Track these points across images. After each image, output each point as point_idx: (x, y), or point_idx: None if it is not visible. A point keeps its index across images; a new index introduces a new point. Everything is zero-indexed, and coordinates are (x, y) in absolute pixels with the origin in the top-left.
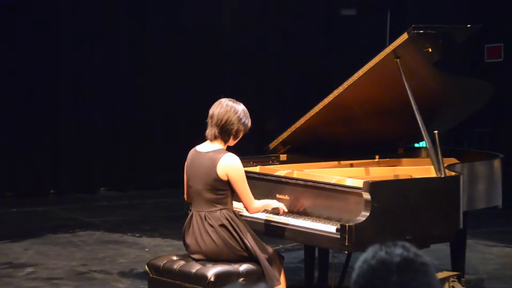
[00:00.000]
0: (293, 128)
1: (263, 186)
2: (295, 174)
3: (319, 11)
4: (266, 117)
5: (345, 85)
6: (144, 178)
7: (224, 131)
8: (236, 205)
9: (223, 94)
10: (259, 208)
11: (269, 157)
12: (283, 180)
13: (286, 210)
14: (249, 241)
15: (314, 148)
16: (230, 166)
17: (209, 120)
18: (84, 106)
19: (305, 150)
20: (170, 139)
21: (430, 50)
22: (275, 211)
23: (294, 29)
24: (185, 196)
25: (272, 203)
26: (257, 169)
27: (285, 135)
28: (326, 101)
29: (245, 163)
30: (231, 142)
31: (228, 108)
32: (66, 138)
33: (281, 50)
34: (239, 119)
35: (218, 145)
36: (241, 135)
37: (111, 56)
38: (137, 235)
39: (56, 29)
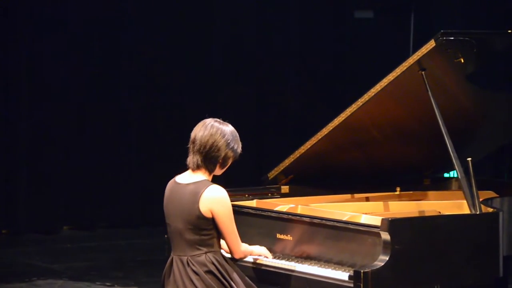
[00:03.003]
0: (297, 154)
1: (260, 224)
2: (300, 210)
3: (328, 13)
4: (264, 141)
5: (360, 102)
6: (116, 214)
7: (209, 159)
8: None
9: (207, 113)
10: (246, 253)
11: (268, 189)
12: (285, 217)
13: (269, 257)
14: None
15: (322, 178)
16: (215, 200)
17: (190, 145)
18: (43, 126)
19: (312, 180)
20: (148, 168)
21: (462, 60)
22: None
23: (299, 35)
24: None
25: (256, 250)
26: (253, 203)
27: (287, 162)
28: (336, 121)
29: (239, 196)
30: (218, 171)
31: (214, 131)
32: (21, 166)
33: (284, 60)
34: (227, 144)
35: (201, 175)
36: (229, 162)
37: (75, 74)
38: (108, 283)
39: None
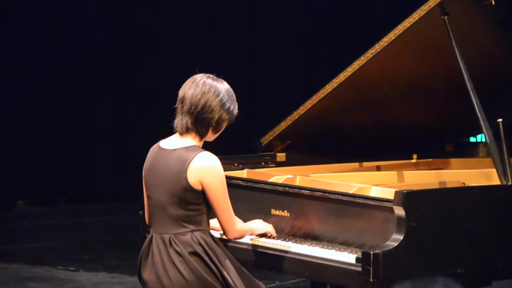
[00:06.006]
0: (295, 115)
1: (252, 198)
2: (298, 181)
3: None
4: (257, 100)
5: (370, 54)
6: (81, 187)
7: (201, 121)
8: (214, 224)
9: (197, 68)
10: (244, 232)
11: (262, 157)
12: (281, 189)
13: (274, 234)
14: (232, 275)
15: (324, 144)
16: (206, 169)
17: (178, 105)
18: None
19: (312, 147)
20: (120, 132)
21: (493, 2)
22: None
23: None
24: (146, 215)
25: (258, 227)
26: (243, 173)
27: (283, 125)
28: (342, 77)
29: (227, 165)
30: (210, 137)
31: (206, 89)
32: None
33: (276, 4)
34: (222, 104)
35: (190, 140)
36: (224, 126)
37: (46, 51)
38: (71, 268)
39: None
